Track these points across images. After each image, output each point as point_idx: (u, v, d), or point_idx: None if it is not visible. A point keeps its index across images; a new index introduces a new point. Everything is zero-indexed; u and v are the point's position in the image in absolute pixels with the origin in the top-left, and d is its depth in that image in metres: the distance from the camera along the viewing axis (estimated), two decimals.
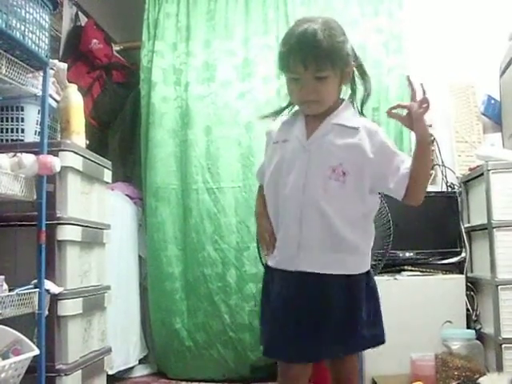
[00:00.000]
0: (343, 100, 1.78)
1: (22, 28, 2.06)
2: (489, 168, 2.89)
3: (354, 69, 1.75)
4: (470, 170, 3.23)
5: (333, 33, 1.65)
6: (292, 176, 1.68)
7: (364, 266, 1.73)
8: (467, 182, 3.31)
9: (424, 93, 1.65)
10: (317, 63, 1.62)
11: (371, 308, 1.72)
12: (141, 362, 3.54)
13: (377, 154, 1.66)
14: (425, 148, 1.68)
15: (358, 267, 1.71)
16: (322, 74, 1.64)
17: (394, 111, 1.73)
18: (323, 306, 1.64)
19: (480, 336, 3.01)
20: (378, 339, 1.75)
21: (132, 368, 3.45)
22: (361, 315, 1.67)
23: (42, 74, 2.31)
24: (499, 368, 2.76)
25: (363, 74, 1.79)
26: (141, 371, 3.52)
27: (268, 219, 1.80)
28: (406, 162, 1.68)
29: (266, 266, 1.81)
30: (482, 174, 2.95)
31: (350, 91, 1.81)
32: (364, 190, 1.68)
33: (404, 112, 1.71)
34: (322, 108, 1.70)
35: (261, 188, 1.89)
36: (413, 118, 1.65)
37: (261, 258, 2.92)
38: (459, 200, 3.35)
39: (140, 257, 3.63)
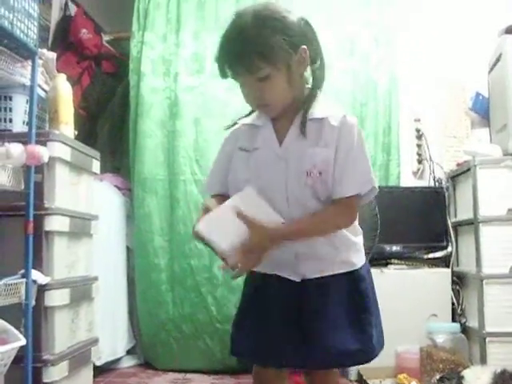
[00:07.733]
0: (309, 89, 1.57)
1: (11, 17, 2.04)
2: (476, 163, 2.92)
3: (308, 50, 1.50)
4: (458, 165, 3.25)
5: (265, 25, 1.44)
6: (272, 187, 1.53)
7: (362, 258, 1.65)
8: (454, 177, 3.33)
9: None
10: (247, 67, 1.45)
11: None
12: (128, 352, 3.54)
13: (338, 158, 1.50)
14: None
15: (359, 261, 1.63)
16: (260, 75, 1.45)
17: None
18: (324, 306, 1.56)
19: (465, 329, 3.04)
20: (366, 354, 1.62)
21: (119, 359, 3.45)
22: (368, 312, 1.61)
23: (30, 63, 2.29)
24: (483, 361, 2.79)
25: (317, 55, 1.55)
26: (128, 362, 3.51)
27: None
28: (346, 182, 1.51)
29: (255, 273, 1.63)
30: (469, 170, 2.97)
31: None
32: None
33: None
34: (277, 109, 1.53)
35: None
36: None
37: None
38: (446, 195, 3.37)
39: (128, 248, 3.62)
